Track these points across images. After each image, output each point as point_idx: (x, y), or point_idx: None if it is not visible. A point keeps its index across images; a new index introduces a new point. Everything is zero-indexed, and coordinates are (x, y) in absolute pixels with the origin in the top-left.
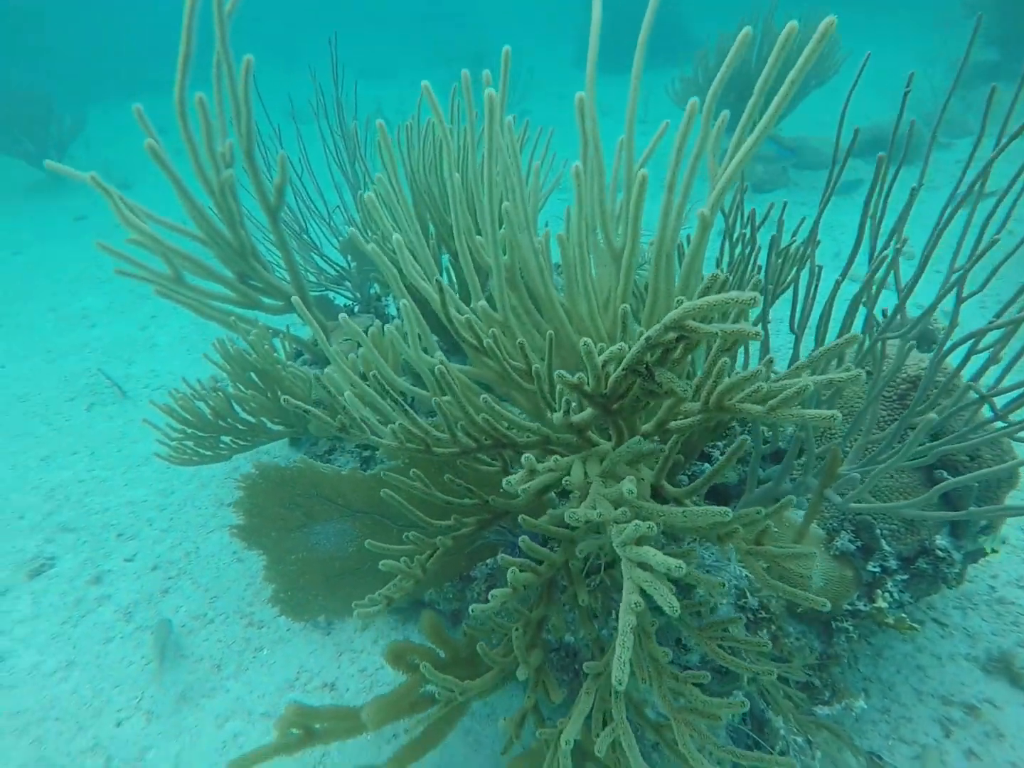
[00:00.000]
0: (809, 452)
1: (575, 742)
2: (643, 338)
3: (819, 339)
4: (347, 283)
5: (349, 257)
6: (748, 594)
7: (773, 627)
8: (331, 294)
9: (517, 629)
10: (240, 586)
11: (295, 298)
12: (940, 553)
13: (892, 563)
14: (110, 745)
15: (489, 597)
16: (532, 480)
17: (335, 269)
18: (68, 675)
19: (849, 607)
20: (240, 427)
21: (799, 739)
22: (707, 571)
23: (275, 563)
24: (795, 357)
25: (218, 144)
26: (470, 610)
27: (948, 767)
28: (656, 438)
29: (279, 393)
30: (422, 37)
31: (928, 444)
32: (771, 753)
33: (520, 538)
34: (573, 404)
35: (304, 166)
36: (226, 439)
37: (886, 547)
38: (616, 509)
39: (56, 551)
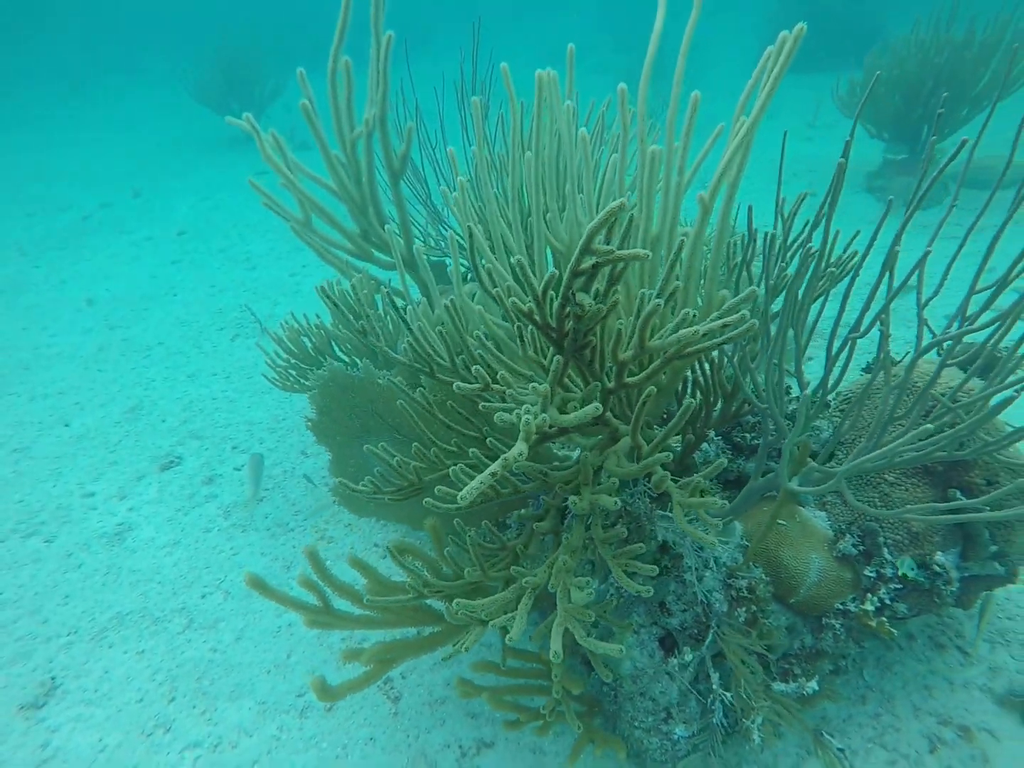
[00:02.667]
0: (788, 442)
1: None
2: (567, 268)
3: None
4: (464, 252)
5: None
6: (737, 576)
7: (754, 608)
8: (448, 260)
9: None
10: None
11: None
12: (937, 568)
13: (888, 571)
14: (193, 610)
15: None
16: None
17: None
18: (173, 551)
19: (840, 606)
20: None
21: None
22: (698, 548)
23: (338, 461)
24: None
25: (361, 113)
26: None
27: None
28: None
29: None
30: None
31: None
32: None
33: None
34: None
35: (440, 138)
36: None
37: (886, 555)
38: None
39: (184, 452)
